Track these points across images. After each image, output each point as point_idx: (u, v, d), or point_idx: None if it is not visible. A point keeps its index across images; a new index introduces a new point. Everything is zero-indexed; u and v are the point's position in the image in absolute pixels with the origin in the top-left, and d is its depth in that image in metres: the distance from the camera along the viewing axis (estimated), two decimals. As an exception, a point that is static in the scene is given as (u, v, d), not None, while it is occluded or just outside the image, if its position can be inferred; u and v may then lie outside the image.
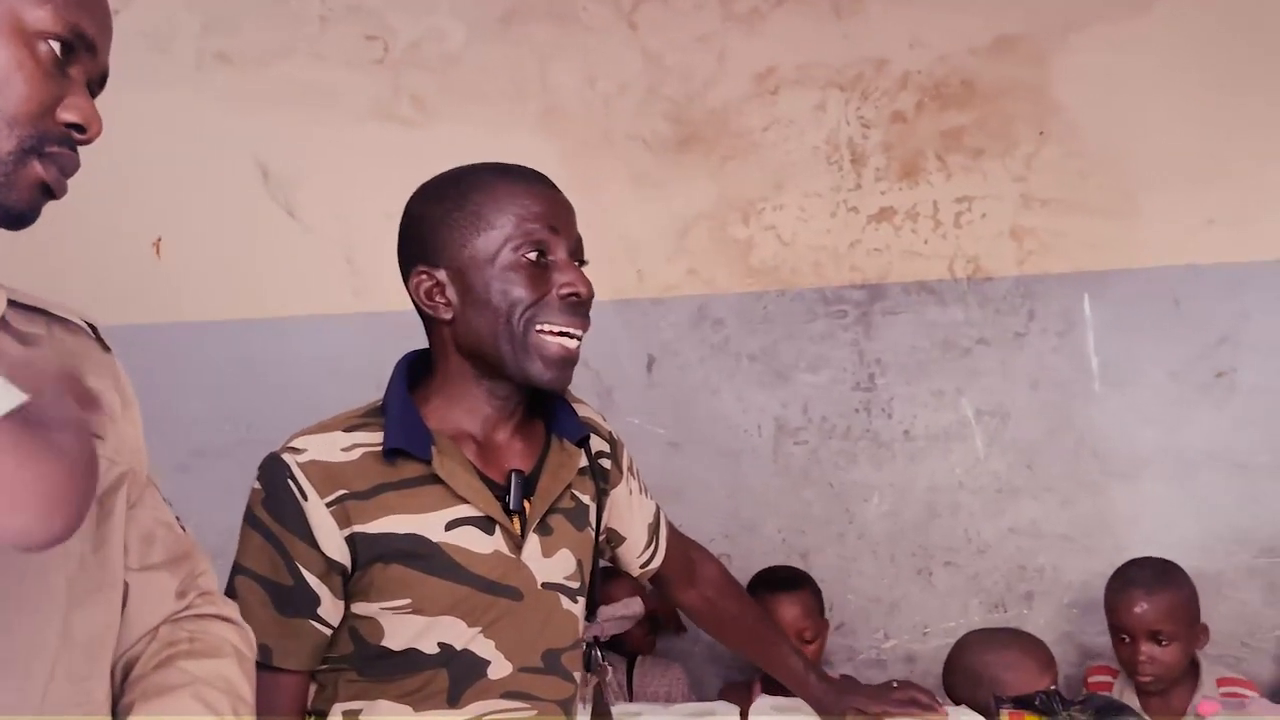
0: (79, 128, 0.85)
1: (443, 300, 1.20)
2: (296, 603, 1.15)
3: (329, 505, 1.14)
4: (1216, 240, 2.33)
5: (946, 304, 2.42)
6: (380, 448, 1.17)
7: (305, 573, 1.15)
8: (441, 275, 1.20)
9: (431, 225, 1.20)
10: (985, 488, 2.41)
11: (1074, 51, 2.38)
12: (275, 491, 1.16)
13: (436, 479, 1.17)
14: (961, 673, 1.98)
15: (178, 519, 1.04)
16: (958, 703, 1.91)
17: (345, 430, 1.19)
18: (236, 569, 1.18)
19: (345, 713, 1.20)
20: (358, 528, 1.15)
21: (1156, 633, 2.07)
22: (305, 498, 1.14)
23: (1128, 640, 2.11)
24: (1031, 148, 2.40)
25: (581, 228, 1.25)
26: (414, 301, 1.23)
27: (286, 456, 1.16)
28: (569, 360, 1.20)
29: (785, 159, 2.47)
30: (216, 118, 2.53)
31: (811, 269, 2.46)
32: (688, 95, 2.49)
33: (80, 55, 0.86)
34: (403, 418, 1.19)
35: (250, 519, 1.18)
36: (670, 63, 2.49)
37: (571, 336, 1.20)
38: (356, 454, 1.17)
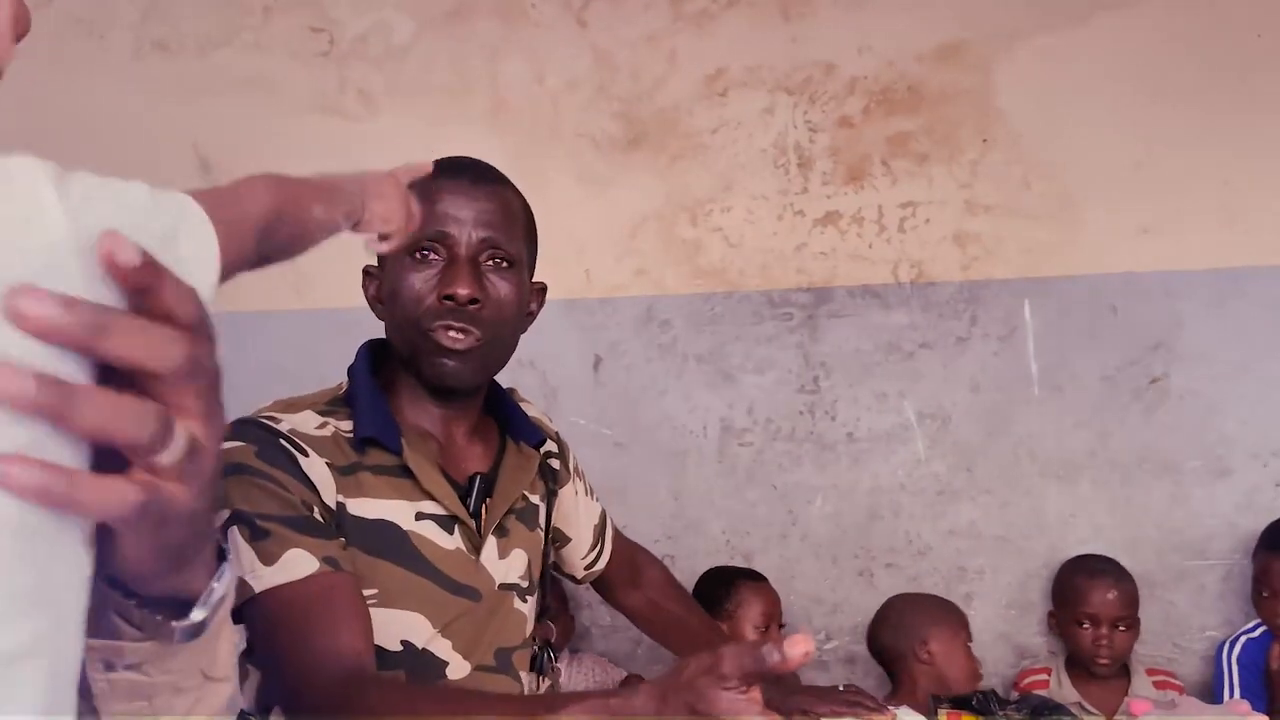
0: None
1: (380, 301, 1.20)
2: (320, 527, 1.08)
3: (325, 464, 1.10)
4: (1152, 249, 2.38)
5: (890, 308, 2.45)
6: (350, 434, 1.14)
7: (315, 510, 1.08)
8: (381, 275, 1.21)
9: None
10: (926, 490, 2.44)
11: (1016, 61, 2.41)
12: (267, 445, 1.08)
13: (406, 471, 1.15)
14: (885, 622, 2.20)
15: None
16: (879, 654, 2.19)
17: (317, 411, 1.16)
18: (244, 518, 1.04)
19: None
20: (340, 498, 1.11)
21: (1120, 619, 2.18)
22: (304, 454, 1.09)
23: (1088, 627, 2.20)
24: (975, 154, 2.43)
25: (527, 226, 1.24)
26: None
27: (267, 421, 1.11)
28: (451, 357, 1.14)
29: (733, 161, 2.47)
30: (155, 107, 2.47)
31: (758, 271, 2.47)
32: (637, 95, 2.48)
33: None
34: (373, 407, 1.16)
35: (245, 469, 1.06)
36: (619, 61, 2.48)
37: (454, 335, 1.14)
38: (329, 432, 1.14)
